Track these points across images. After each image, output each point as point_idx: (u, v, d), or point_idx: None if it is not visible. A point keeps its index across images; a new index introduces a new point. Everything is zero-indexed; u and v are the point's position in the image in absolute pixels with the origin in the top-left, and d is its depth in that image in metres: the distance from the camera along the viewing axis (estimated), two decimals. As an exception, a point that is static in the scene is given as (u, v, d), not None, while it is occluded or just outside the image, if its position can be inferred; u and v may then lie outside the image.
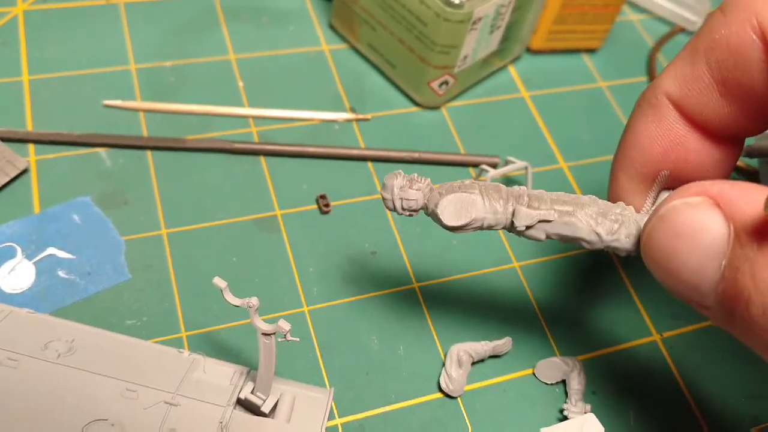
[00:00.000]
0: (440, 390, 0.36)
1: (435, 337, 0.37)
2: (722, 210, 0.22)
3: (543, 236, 0.28)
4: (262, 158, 0.42)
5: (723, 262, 0.22)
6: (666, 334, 0.39)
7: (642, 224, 0.27)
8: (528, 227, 0.28)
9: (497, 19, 0.42)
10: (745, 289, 0.21)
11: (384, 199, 0.29)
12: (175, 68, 0.45)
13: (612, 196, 0.30)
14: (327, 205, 0.40)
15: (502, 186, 0.29)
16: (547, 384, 0.37)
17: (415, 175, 0.29)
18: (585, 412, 0.35)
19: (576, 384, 0.36)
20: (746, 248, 0.21)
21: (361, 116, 0.44)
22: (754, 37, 0.24)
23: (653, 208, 0.29)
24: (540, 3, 0.45)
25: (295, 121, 0.44)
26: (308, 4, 0.50)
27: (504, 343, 0.37)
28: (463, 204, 0.28)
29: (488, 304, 0.39)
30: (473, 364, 0.36)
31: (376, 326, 0.37)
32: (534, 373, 0.37)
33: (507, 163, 0.42)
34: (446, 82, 0.44)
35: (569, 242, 0.28)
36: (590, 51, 0.52)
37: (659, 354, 0.39)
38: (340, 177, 0.42)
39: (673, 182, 0.28)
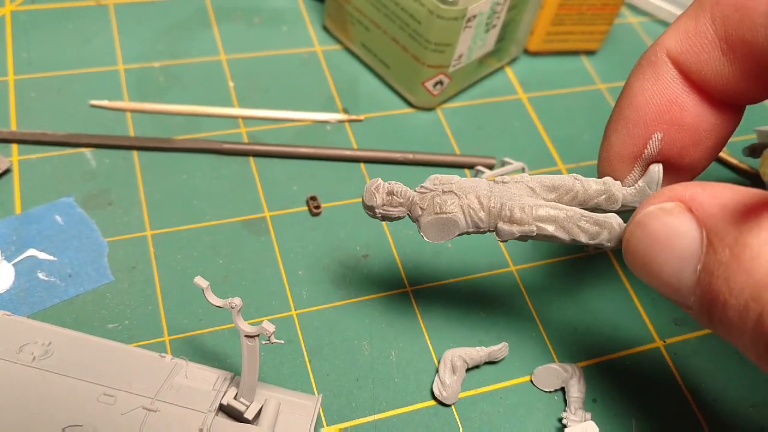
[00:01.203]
0: (433, 397, 0.34)
1: (428, 343, 0.36)
2: (694, 215, 0.22)
3: (525, 240, 0.28)
4: (251, 159, 0.41)
5: (698, 267, 0.22)
6: (669, 340, 0.38)
7: (625, 202, 0.28)
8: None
9: (492, 17, 0.41)
10: (721, 293, 0.21)
11: (366, 212, 0.29)
12: (164, 69, 0.44)
13: (602, 159, 0.29)
14: (317, 207, 0.39)
15: (481, 184, 0.28)
16: (545, 391, 0.35)
17: (394, 186, 0.29)
18: (585, 421, 0.33)
19: (576, 391, 0.34)
20: (719, 254, 0.21)
21: (353, 117, 0.43)
22: None
23: (638, 191, 0.28)
24: (537, 2, 0.44)
25: (286, 121, 0.43)
26: (301, 5, 0.49)
27: (500, 349, 0.35)
28: (445, 225, 0.28)
29: (484, 308, 0.37)
30: (468, 370, 0.35)
31: (367, 331, 0.36)
32: (531, 381, 0.35)
33: (503, 164, 0.41)
34: (441, 82, 0.43)
35: None
36: (589, 53, 0.51)
37: (662, 360, 0.37)
38: (331, 178, 0.41)
39: (666, 148, 0.27)
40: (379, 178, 0.29)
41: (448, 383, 0.34)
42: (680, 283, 0.22)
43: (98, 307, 0.34)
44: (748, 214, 0.20)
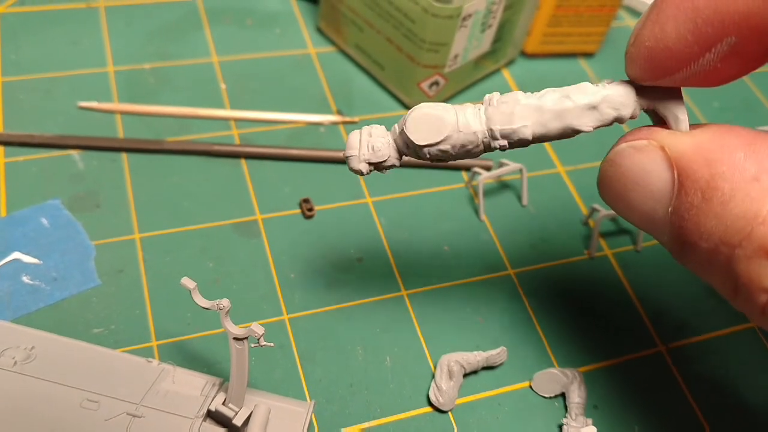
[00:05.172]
0: (429, 404, 0.33)
1: (424, 347, 0.35)
2: (666, 155, 0.21)
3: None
4: (242, 161, 0.40)
5: (669, 209, 0.21)
6: (672, 345, 0.37)
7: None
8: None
9: (488, 17, 0.40)
10: (691, 235, 0.20)
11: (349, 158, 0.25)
12: (154, 71, 0.43)
13: (644, 47, 0.22)
14: (311, 210, 0.38)
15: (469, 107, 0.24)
16: (544, 397, 0.34)
17: (371, 134, 0.25)
18: (586, 427, 0.32)
19: (576, 397, 0.33)
20: (690, 196, 0.20)
21: (347, 119, 0.43)
22: None
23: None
24: (533, 2, 0.44)
25: (279, 123, 0.42)
26: (294, 7, 0.49)
27: (498, 354, 0.34)
28: (434, 119, 0.23)
29: (481, 312, 0.36)
30: (465, 375, 0.34)
31: (361, 335, 0.35)
32: (531, 386, 0.34)
33: (501, 165, 0.40)
34: (436, 83, 0.42)
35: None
36: (587, 55, 0.50)
37: (665, 366, 0.36)
38: (324, 181, 0.40)
39: (731, 56, 0.21)
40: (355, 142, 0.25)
41: (444, 389, 0.33)
42: (654, 221, 0.22)
43: (84, 312, 0.33)
44: (722, 155, 0.19)
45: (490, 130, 0.23)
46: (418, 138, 0.23)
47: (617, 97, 0.22)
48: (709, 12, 0.20)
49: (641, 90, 0.23)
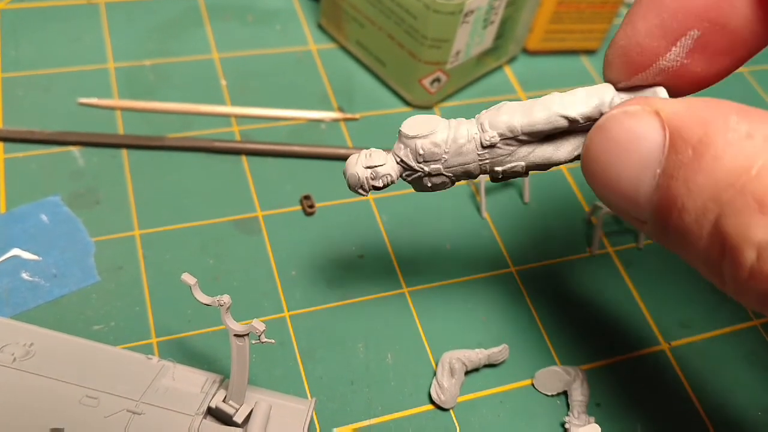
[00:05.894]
0: (431, 401, 0.33)
1: (426, 345, 0.35)
2: (660, 118, 0.20)
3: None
4: (243, 158, 0.40)
5: (658, 171, 0.20)
6: (674, 343, 0.37)
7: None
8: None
9: (490, 13, 0.40)
10: (679, 196, 0.19)
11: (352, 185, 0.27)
12: (155, 67, 0.43)
13: (618, 47, 0.24)
14: (311, 206, 0.38)
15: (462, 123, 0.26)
16: (547, 395, 0.34)
17: (370, 149, 0.27)
18: (588, 424, 0.32)
19: (578, 395, 0.33)
20: (681, 154, 0.20)
21: (349, 115, 0.42)
22: None
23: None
24: (535, -2, 0.43)
25: (280, 120, 0.42)
26: (295, 3, 0.48)
27: (500, 351, 0.34)
28: (428, 119, 0.26)
29: (483, 309, 0.36)
30: (467, 373, 0.34)
31: (362, 333, 0.34)
32: (533, 384, 0.34)
33: (502, 162, 0.40)
34: (438, 80, 0.42)
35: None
36: (589, 52, 0.50)
37: (667, 363, 0.36)
38: (325, 177, 0.40)
39: (696, 51, 0.23)
40: (355, 166, 0.26)
41: (446, 387, 0.33)
42: (638, 192, 0.21)
43: (83, 308, 0.33)
44: (716, 116, 0.19)
45: (480, 125, 0.25)
46: (410, 129, 0.25)
47: (596, 87, 0.24)
48: (674, 5, 0.22)
49: (621, 90, 0.24)
